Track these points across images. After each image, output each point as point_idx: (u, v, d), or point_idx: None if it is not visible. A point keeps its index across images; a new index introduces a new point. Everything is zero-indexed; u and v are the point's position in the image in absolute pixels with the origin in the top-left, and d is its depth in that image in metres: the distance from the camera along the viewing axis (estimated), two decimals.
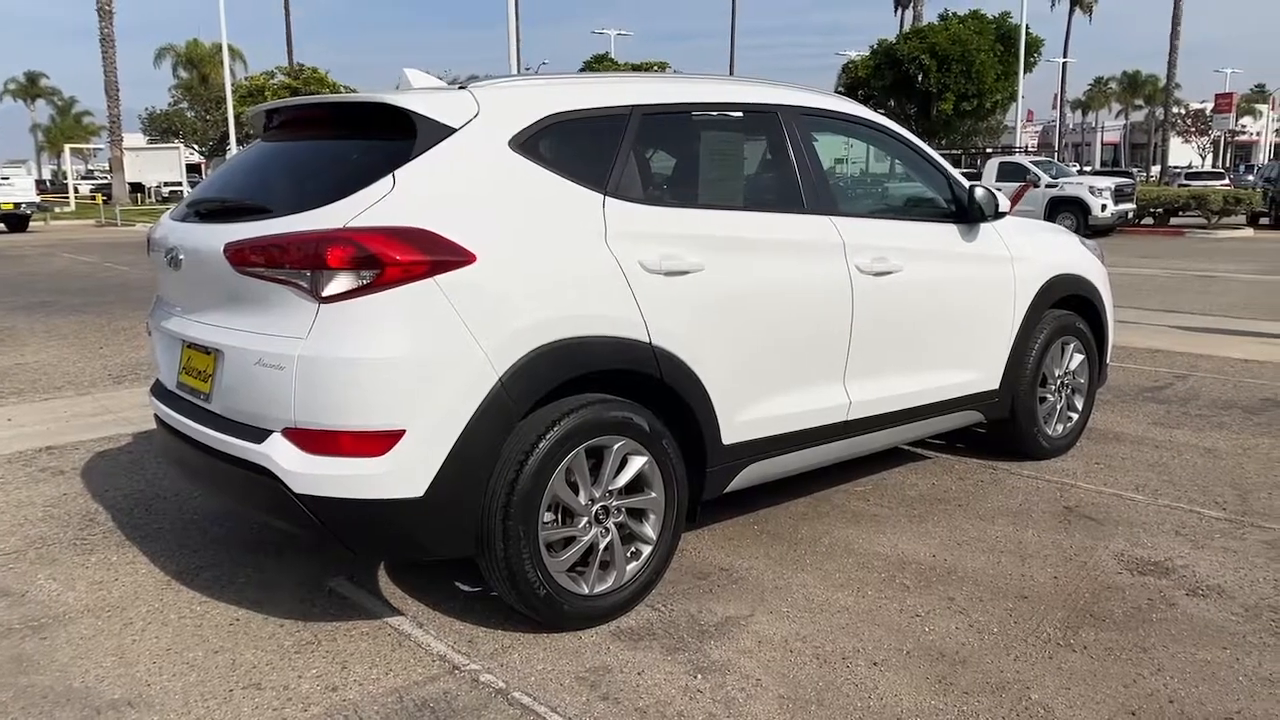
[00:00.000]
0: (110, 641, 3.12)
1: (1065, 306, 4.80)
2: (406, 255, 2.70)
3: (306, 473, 2.76)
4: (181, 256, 3.14)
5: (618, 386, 3.12)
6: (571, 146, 3.16)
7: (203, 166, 59.35)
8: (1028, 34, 29.57)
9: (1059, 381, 4.87)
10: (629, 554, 3.21)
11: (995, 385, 4.49)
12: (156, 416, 3.57)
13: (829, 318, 3.71)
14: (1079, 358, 4.95)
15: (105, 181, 48.34)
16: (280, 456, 2.79)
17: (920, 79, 28.69)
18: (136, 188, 43.44)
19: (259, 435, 2.85)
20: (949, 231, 4.25)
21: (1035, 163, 24.54)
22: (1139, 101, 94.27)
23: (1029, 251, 4.59)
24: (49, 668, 2.96)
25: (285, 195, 3.09)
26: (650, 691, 2.77)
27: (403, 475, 2.75)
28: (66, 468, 5.00)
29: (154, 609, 3.35)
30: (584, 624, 3.12)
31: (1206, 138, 66.89)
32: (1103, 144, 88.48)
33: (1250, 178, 44.15)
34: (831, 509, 4.25)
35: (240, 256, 2.85)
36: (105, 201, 35.04)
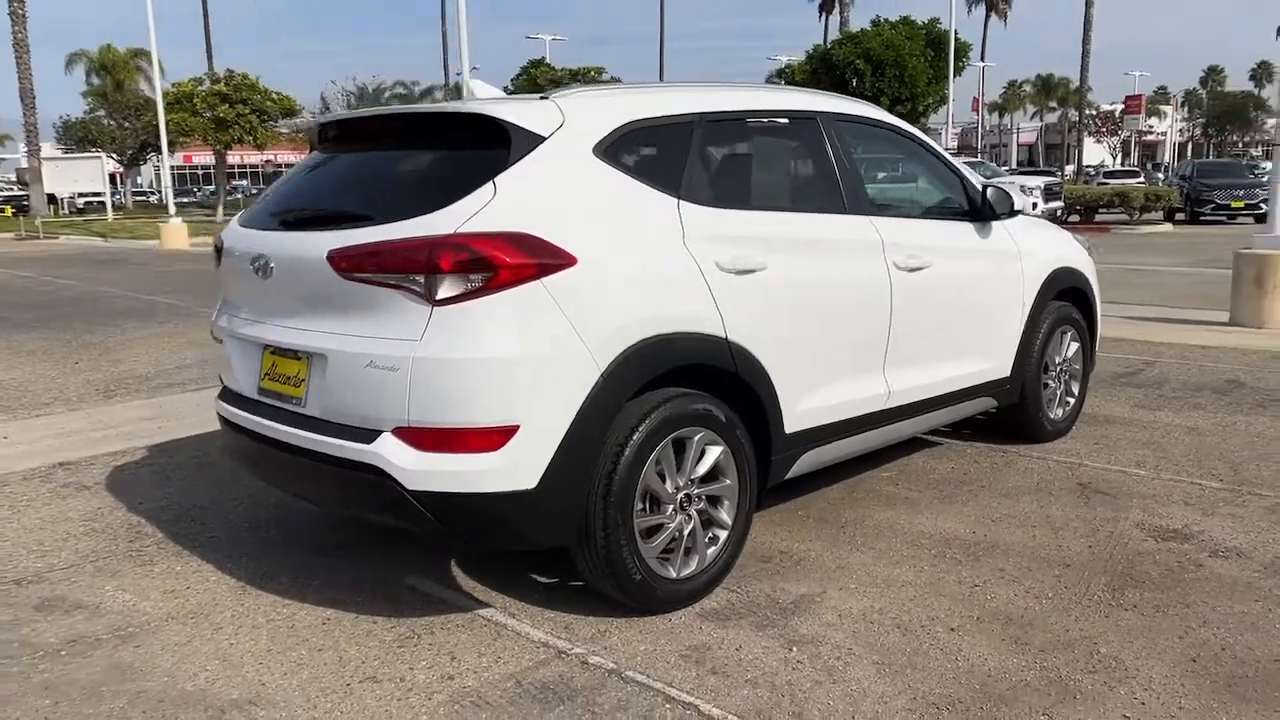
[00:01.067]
0: (207, 646, 3.18)
1: (1063, 298, 5.12)
2: (516, 259, 2.83)
3: (421, 469, 2.87)
4: (272, 264, 3.22)
5: (695, 380, 3.28)
6: (647, 153, 3.32)
7: (118, 176, 57.49)
8: (955, 39, 30.54)
9: (1059, 368, 5.18)
10: (707, 539, 3.38)
11: (1007, 373, 4.77)
12: (226, 420, 3.63)
13: (872, 312, 3.93)
14: (1075, 346, 5.28)
15: (14, 193, 46.58)
16: (393, 455, 2.89)
17: (855, 83, 29.41)
18: (50, 199, 41.97)
19: (368, 436, 2.95)
20: (967, 229, 4.52)
21: (967, 163, 25.32)
22: (1053, 103, 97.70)
23: (1033, 247, 4.89)
24: (154, 673, 3.01)
25: (384, 203, 3.19)
26: (753, 665, 2.94)
27: (516, 469, 2.88)
28: (89, 482, 4.97)
29: (238, 613, 3.41)
30: (672, 607, 3.28)
31: (1117, 138, 69.72)
32: (1019, 145, 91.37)
33: (1160, 175, 46.18)
34: (866, 494, 4.47)
35: (349, 263, 2.95)
36: (18, 214, 33.75)
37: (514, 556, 3.78)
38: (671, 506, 3.24)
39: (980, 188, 4.59)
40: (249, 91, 33.54)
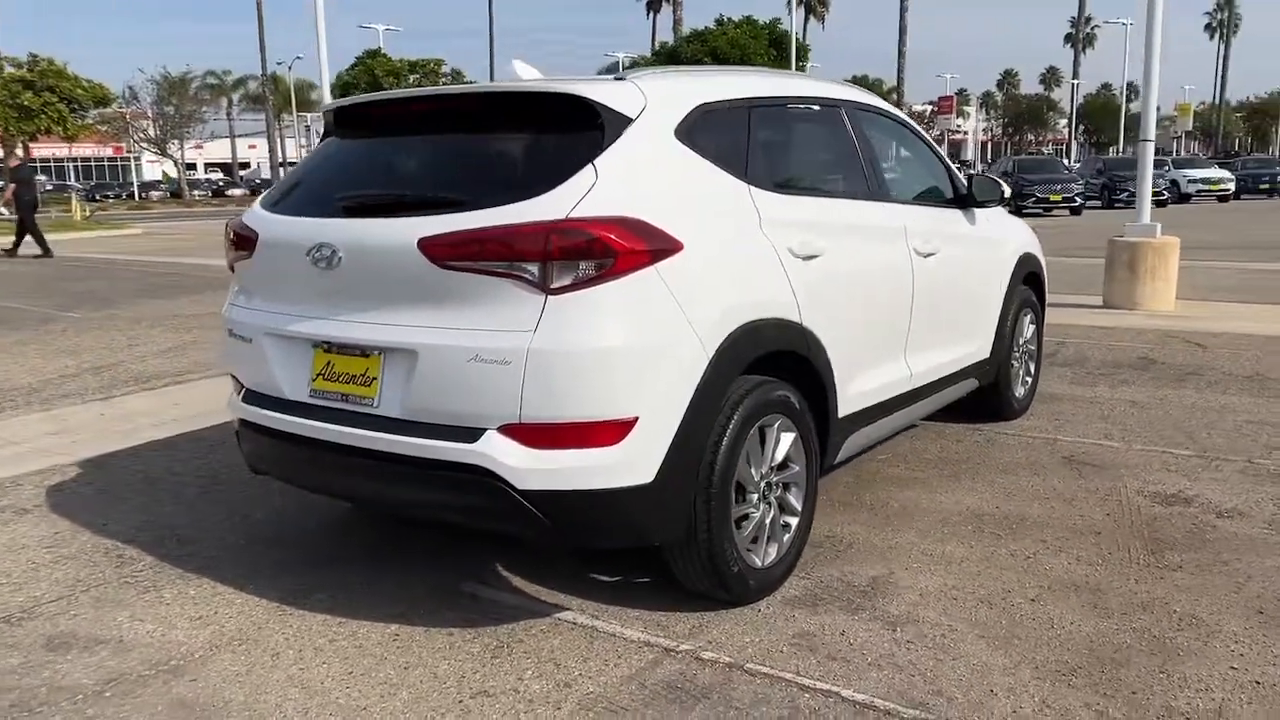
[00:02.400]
0: (276, 674, 2.91)
1: (1025, 283, 5.39)
2: (633, 244, 2.73)
3: (532, 468, 2.73)
4: (341, 254, 2.96)
5: (772, 367, 3.26)
6: (717, 136, 3.26)
7: None
8: (797, 40, 31.63)
9: (1021, 349, 5.45)
10: (781, 526, 3.36)
11: (988, 354, 4.98)
12: (255, 426, 3.33)
13: (901, 297, 4.02)
14: (1032, 328, 5.57)
15: None
16: (501, 454, 2.73)
17: None
18: None
19: (468, 435, 2.78)
20: (959, 216, 4.68)
21: None
22: None
23: (1008, 233, 5.14)
24: (231, 709, 2.74)
25: (472, 187, 2.99)
26: (867, 648, 2.95)
27: (635, 463, 2.78)
28: (28, 505, 4.47)
29: (292, 636, 3.14)
30: (759, 596, 3.25)
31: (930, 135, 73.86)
32: None
33: (971, 172, 49.42)
34: (873, 477, 4.56)
35: (448, 251, 2.76)
36: None
37: (562, 557, 3.65)
38: (756, 495, 3.20)
39: (966, 177, 4.77)
40: (56, 78, 30.85)
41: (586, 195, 2.75)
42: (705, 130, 3.21)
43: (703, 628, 3.11)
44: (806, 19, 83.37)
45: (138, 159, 69.60)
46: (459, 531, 3.89)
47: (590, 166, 2.82)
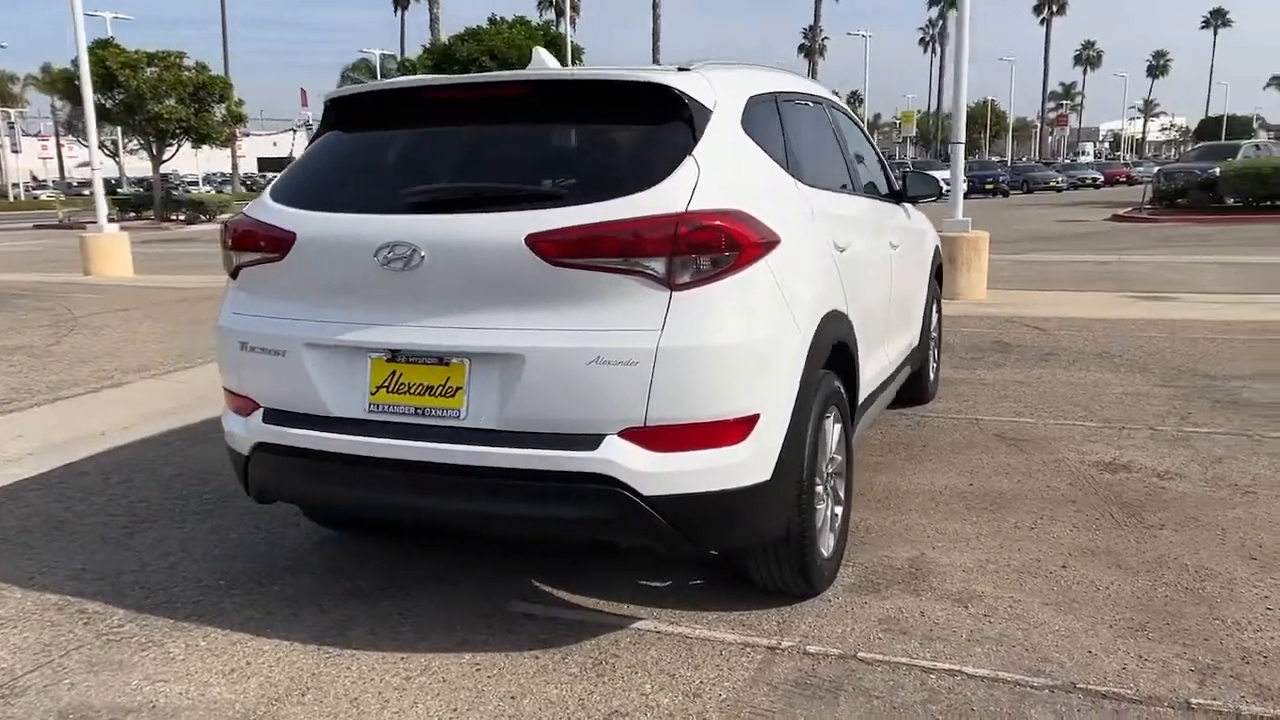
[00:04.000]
0: None
1: (936, 274, 5.75)
2: (752, 237, 2.69)
3: (658, 473, 2.63)
4: (423, 253, 2.70)
5: (829, 359, 3.30)
6: (763, 129, 3.25)
7: None
8: (572, 43, 31.90)
9: (932, 337, 5.81)
10: (832, 516, 3.42)
11: (919, 341, 5.28)
12: (283, 449, 2.99)
13: (886, 288, 4.19)
14: (937, 316, 5.95)
15: None
16: (626, 460, 2.61)
17: None
18: None
19: (587, 442, 2.63)
20: (900, 210, 4.93)
21: None
22: None
23: (925, 227, 5.46)
24: None
25: (570, 180, 2.81)
26: (954, 625, 3.06)
27: (757, 460, 2.74)
28: None
29: (360, 678, 2.85)
30: (825, 586, 3.28)
31: None
32: None
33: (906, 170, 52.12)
34: None
35: (562, 247, 2.59)
36: None
37: (594, 566, 3.52)
38: (821, 486, 3.24)
39: (899, 174, 5.03)
40: None
41: (696, 188, 2.68)
42: (756, 122, 3.20)
43: (788, 623, 3.11)
44: (557, 21, 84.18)
45: None
46: (460, 548, 3.67)
47: (691, 159, 2.75)
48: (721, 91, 3.03)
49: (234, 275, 3.15)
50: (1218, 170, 23.63)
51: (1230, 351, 7.02)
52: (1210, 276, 11.81)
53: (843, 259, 3.44)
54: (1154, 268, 13.05)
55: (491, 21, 30.70)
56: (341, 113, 3.24)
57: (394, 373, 2.83)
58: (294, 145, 46.79)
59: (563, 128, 3.03)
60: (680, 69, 3.07)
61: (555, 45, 31.50)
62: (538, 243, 2.61)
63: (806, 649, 2.94)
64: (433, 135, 3.12)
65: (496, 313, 2.70)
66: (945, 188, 5.28)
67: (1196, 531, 3.76)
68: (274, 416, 3.03)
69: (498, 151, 3.07)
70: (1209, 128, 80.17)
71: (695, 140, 2.81)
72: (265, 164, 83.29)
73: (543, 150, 3.05)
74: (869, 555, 3.61)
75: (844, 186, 4.04)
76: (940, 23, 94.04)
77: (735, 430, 2.69)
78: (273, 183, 3.22)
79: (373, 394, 2.86)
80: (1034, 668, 2.79)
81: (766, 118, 3.31)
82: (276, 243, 2.95)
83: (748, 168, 2.97)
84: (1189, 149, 41.21)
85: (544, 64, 3.42)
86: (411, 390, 2.81)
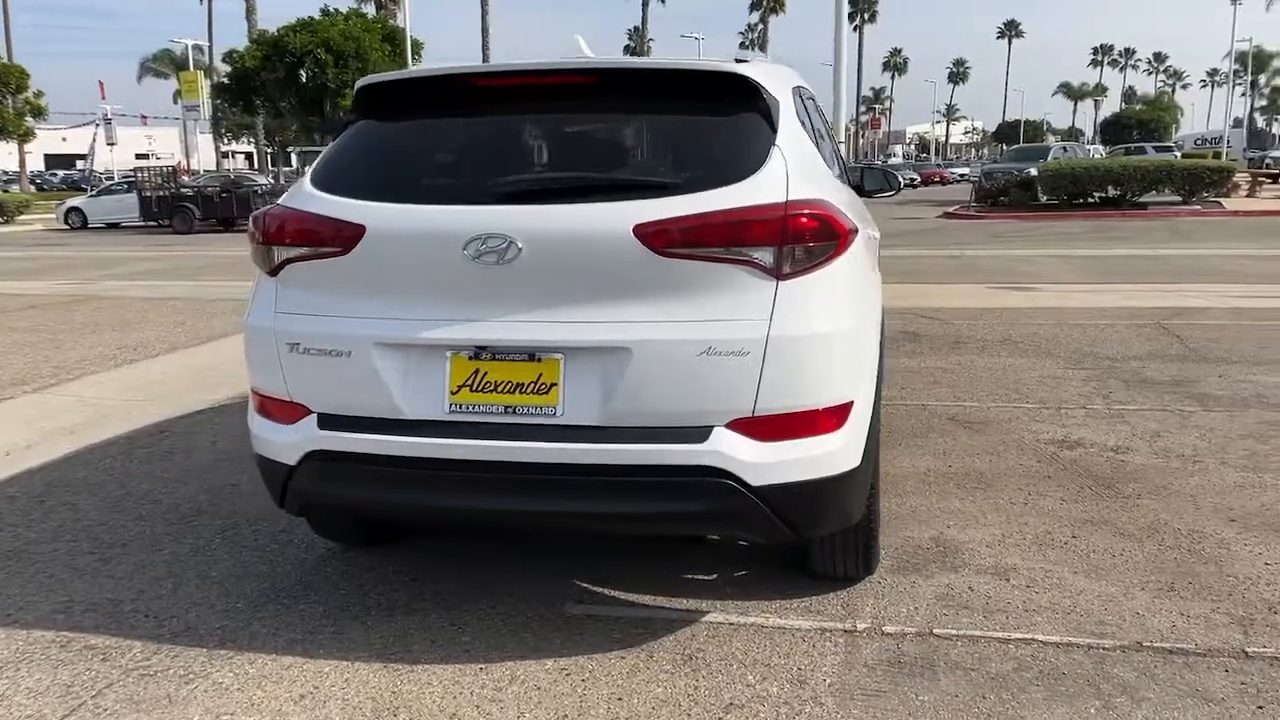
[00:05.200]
0: None
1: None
2: (845, 226, 2.74)
3: (764, 463, 2.64)
4: (521, 245, 2.59)
5: None
6: (804, 120, 3.29)
7: None
8: (411, 36, 31.06)
9: None
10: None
11: None
12: (343, 456, 2.81)
13: (874, 278, 4.32)
14: None
15: None
16: (735, 451, 2.61)
17: (316, 73, 28.23)
18: None
19: (694, 434, 2.61)
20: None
21: None
22: None
23: (872, 221, 5.66)
24: None
25: (665, 169, 2.76)
26: (1006, 597, 3.21)
27: (851, 446, 2.78)
28: None
29: (451, 694, 2.73)
30: (875, 569, 3.37)
31: None
32: None
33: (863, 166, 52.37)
34: None
35: (671, 238, 2.56)
36: None
37: (631, 560, 3.49)
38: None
39: (857, 168, 5.20)
40: None
41: (789, 179, 2.70)
42: (800, 114, 3.25)
43: (852, 606, 3.18)
44: (379, 10, 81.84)
45: None
46: (477, 557, 3.57)
47: (777, 150, 2.77)
48: (780, 82, 3.07)
49: (274, 272, 2.93)
50: (1034, 170, 25.55)
51: (1116, 336, 7.63)
52: (1057, 268, 12.76)
53: (869, 247, 3.54)
54: (1002, 260, 13.98)
55: (325, 13, 29.49)
56: (383, 101, 3.06)
57: (477, 371, 2.71)
58: (95, 141, 43.15)
59: (640, 117, 2.98)
60: (738, 60, 3.07)
61: (394, 39, 30.68)
62: (646, 233, 2.57)
63: (884, 630, 3.01)
64: (503, 124, 3.01)
65: (597, 306, 2.63)
66: (905, 182, 5.47)
67: (1170, 499, 4.08)
68: (333, 422, 2.84)
69: (579, 141, 2.99)
70: (1006, 131, 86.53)
71: (774, 130, 2.83)
72: (54, 161, 76.72)
73: (626, 140, 2.99)
74: (893, 537, 3.73)
75: (839, 177, 4.15)
76: (761, 27, 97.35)
77: (834, 417, 2.73)
78: (312, 171, 3.01)
79: (453, 393, 2.73)
80: (1096, 631, 2.97)
81: (802, 110, 3.37)
82: (341, 236, 2.76)
83: (812, 158, 3.02)
84: (1004, 150, 44.30)
85: (584, 51, 3.35)
86: (498, 388, 2.70)
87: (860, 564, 3.21)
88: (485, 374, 2.71)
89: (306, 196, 2.90)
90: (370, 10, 30.30)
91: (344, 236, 2.76)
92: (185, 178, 30.28)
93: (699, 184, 2.66)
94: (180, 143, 63.08)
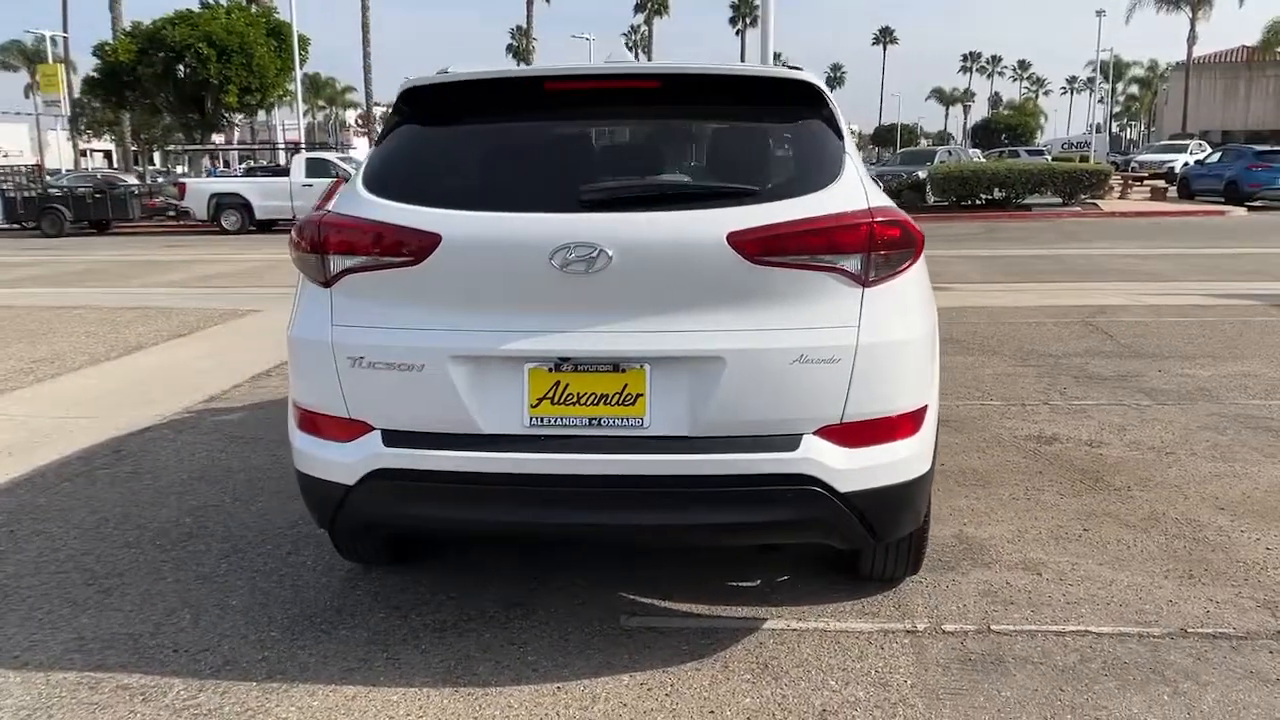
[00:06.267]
0: None
1: None
2: (919, 234, 2.77)
3: (851, 469, 2.66)
4: (611, 253, 2.53)
5: None
6: None
7: None
8: (296, 31, 30.06)
9: None
10: None
11: None
12: (412, 474, 2.71)
13: None
14: None
15: None
16: (825, 458, 2.63)
17: (197, 68, 26.95)
18: None
19: (785, 443, 2.61)
20: None
21: (341, 159, 25.39)
22: (322, 102, 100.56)
23: None
24: None
25: (751, 176, 2.73)
26: (1043, 591, 3.32)
27: (925, 451, 2.83)
28: None
29: (534, 717, 2.64)
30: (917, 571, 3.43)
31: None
32: (286, 141, 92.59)
33: None
34: None
35: (763, 245, 2.55)
36: None
37: (676, 569, 3.46)
38: None
39: None
40: None
41: (863, 185, 2.73)
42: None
43: (905, 606, 3.23)
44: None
45: None
46: (504, 572, 3.49)
47: (846, 156, 2.80)
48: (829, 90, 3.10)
49: (329, 282, 2.78)
50: (922, 173, 26.49)
51: (1050, 333, 7.98)
52: (964, 267, 13.25)
53: None
54: None
55: (204, 5, 28.18)
56: (438, 103, 2.95)
57: (558, 383, 2.64)
58: None
59: (713, 123, 2.96)
60: (791, 68, 3.09)
61: (280, 34, 29.61)
62: (740, 241, 2.55)
63: (944, 628, 3.07)
64: (575, 129, 2.94)
65: (686, 315, 2.60)
66: None
67: (1159, 490, 4.29)
68: (399, 438, 2.72)
69: (655, 147, 2.95)
70: (883, 134, 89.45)
71: (841, 139, 2.86)
72: None
73: (703, 146, 2.97)
74: None
75: None
76: (645, 29, 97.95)
77: (913, 422, 2.77)
78: (364, 176, 2.87)
79: (533, 406, 2.65)
80: (1141, 619, 3.10)
81: None
82: (413, 246, 2.65)
83: (863, 166, 3.05)
84: (894, 154, 45.77)
85: (626, 59, 3.30)
86: (581, 400, 2.64)
87: (911, 564, 3.26)
88: (566, 386, 2.64)
89: (365, 203, 2.77)
90: (252, 6, 29.13)
91: (417, 246, 2.65)
92: (49, 177, 28.59)
93: (782, 191, 2.67)
94: (31, 139, 59.39)
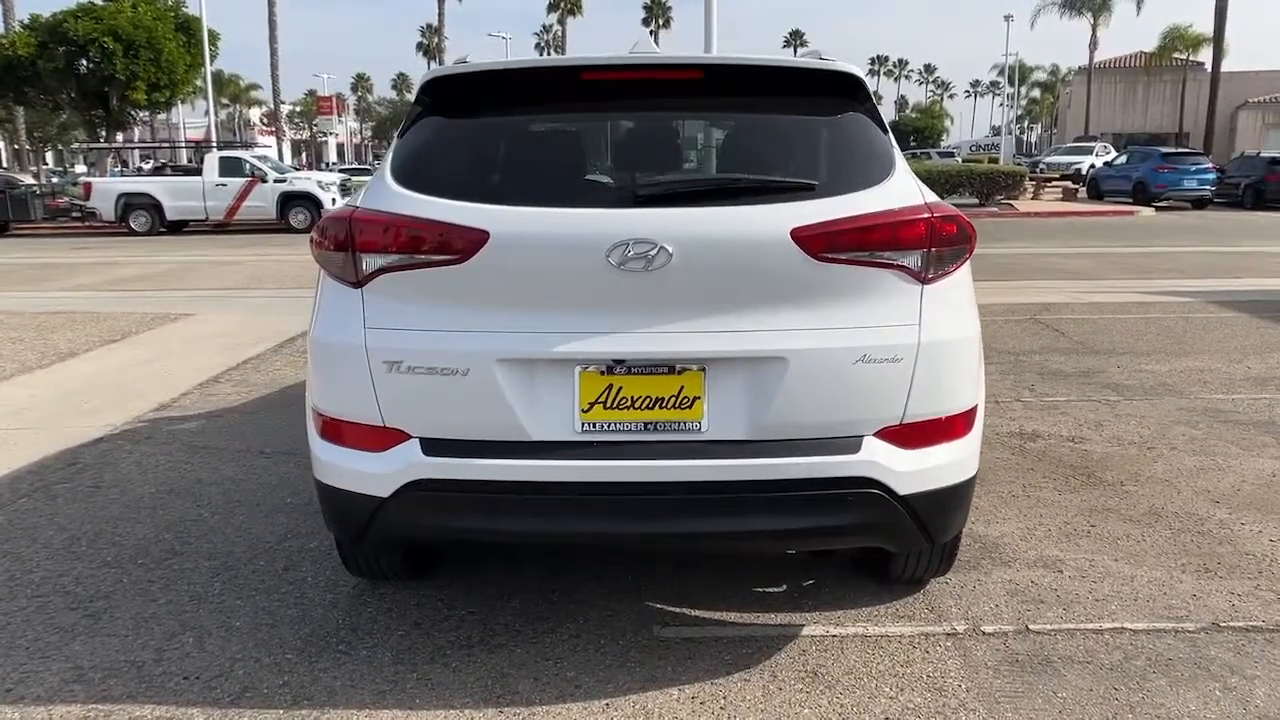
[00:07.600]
0: None
1: None
2: (972, 231, 2.73)
3: (911, 471, 2.62)
4: (671, 250, 2.42)
5: None
6: None
7: None
8: (206, 27, 28.94)
9: None
10: None
11: None
12: (453, 484, 2.56)
13: None
14: None
15: None
16: (887, 461, 2.58)
17: (101, 64, 25.68)
18: None
19: (847, 445, 2.55)
20: None
21: (257, 157, 24.57)
22: (225, 100, 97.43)
23: None
24: None
25: (807, 170, 2.65)
26: (1068, 589, 3.33)
27: (975, 450, 2.81)
28: None
29: None
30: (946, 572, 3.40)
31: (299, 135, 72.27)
32: (187, 140, 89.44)
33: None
34: None
35: (826, 241, 2.48)
36: None
37: (694, 576, 3.38)
38: None
39: None
40: None
41: (916, 181, 2.69)
42: None
43: (936, 609, 3.21)
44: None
45: None
46: (520, 586, 3.37)
47: (895, 150, 2.75)
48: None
49: (360, 282, 2.61)
50: None
51: (1004, 330, 8.11)
52: None
53: None
54: None
55: None
56: (467, 93, 2.80)
57: (610, 386, 2.53)
58: None
59: (761, 116, 2.86)
60: (823, 59, 3.02)
61: (189, 28, 28.46)
62: (803, 236, 2.47)
63: (983, 630, 3.05)
64: (620, 121, 2.82)
65: (745, 314, 2.52)
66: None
67: (1150, 485, 4.37)
68: (440, 447, 2.57)
69: (707, 140, 2.84)
70: None
71: (885, 132, 2.81)
72: None
73: (756, 139, 2.87)
74: None
75: None
76: (558, 28, 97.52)
77: (965, 422, 2.74)
78: (393, 170, 2.70)
79: (584, 411, 2.53)
80: (1172, 614, 3.13)
81: None
82: (458, 243, 2.49)
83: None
84: None
85: (654, 48, 3.18)
86: (636, 404, 2.53)
87: (942, 565, 3.24)
88: (620, 389, 2.53)
89: (399, 197, 2.61)
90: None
91: (462, 243, 2.50)
92: None
93: (839, 186, 2.60)
94: None
